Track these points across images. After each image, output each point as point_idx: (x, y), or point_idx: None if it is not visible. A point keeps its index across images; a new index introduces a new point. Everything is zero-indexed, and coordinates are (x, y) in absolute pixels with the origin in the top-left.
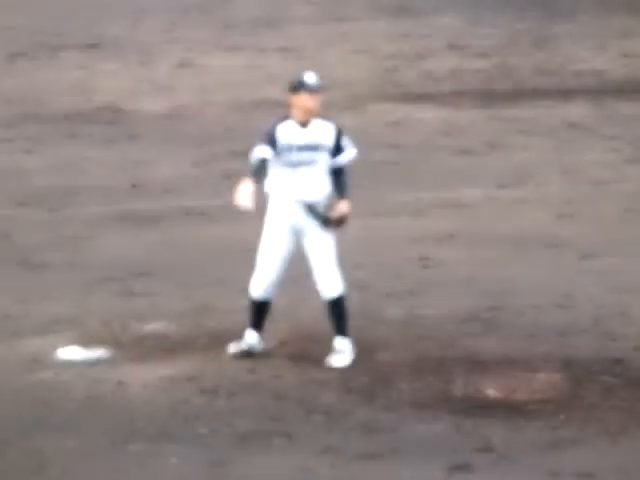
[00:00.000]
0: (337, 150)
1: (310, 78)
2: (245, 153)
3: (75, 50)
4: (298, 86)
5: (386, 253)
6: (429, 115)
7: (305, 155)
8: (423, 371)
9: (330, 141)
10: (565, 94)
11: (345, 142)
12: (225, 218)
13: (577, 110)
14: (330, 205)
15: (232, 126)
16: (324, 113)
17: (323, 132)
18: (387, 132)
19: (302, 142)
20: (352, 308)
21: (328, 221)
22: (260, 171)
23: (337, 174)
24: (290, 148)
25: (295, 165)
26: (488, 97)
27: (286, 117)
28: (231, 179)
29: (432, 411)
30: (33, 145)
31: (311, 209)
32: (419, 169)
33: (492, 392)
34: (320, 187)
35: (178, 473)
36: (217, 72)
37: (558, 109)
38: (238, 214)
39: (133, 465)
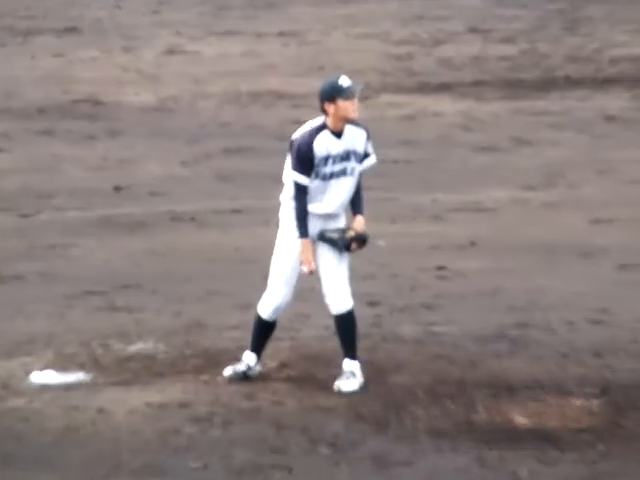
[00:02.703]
0: (364, 156)
1: (345, 81)
2: (241, 151)
3: (49, 35)
4: (333, 92)
5: (400, 263)
6: (448, 108)
7: (338, 166)
8: (441, 396)
9: (362, 148)
10: (600, 83)
11: (369, 148)
12: (218, 224)
13: (614, 101)
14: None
15: (227, 120)
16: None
17: (356, 138)
18: (400, 127)
19: (338, 153)
20: (362, 325)
21: (348, 245)
22: (305, 210)
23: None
24: (326, 161)
25: (328, 177)
26: (514, 87)
27: (322, 126)
28: (225, 180)
29: (452, 441)
30: (3, 142)
31: (327, 235)
32: (436, 168)
33: (520, 420)
34: (346, 199)
35: None
36: (210, 59)
37: (593, 100)
38: (232, 219)
39: None
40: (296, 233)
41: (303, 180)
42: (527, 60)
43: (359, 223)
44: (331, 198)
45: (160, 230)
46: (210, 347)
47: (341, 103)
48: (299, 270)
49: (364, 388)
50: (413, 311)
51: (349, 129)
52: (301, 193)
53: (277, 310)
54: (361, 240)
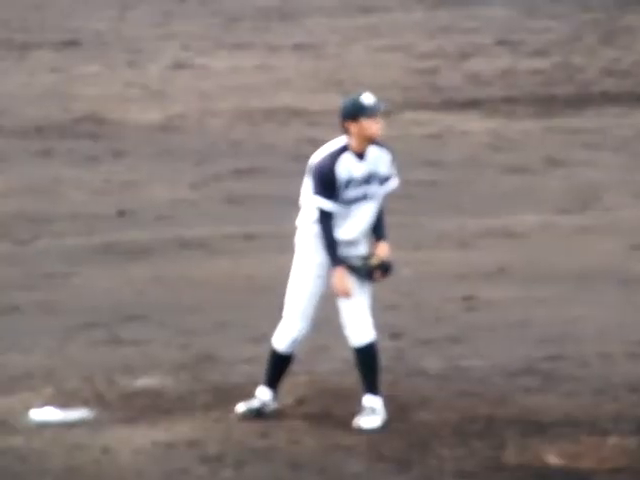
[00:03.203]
0: (389, 177)
1: (368, 99)
2: (253, 172)
3: (47, 49)
4: (356, 111)
5: (424, 292)
6: (475, 126)
7: (359, 190)
8: (468, 434)
9: (385, 170)
10: (639, 99)
11: (392, 170)
12: (229, 251)
13: None
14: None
15: (238, 139)
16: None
17: (380, 160)
18: (425, 146)
19: (361, 177)
20: (384, 358)
21: (371, 273)
22: (333, 236)
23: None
24: (348, 185)
25: (349, 202)
26: (546, 104)
27: (344, 148)
28: (237, 204)
29: None
30: None
31: (349, 262)
32: (463, 191)
33: (552, 459)
34: (367, 225)
35: None
36: (220, 74)
37: (631, 117)
38: (244, 246)
39: None
40: (328, 262)
41: (328, 206)
42: (560, 74)
43: (383, 249)
44: (352, 224)
45: (167, 257)
46: (221, 382)
47: (365, 122)
48: (317, 300)
49: (386, 426)
50: (438, 344)
51: (372, 150)
52: (327, 219)
53: (293, 343)
54: (385, 268)
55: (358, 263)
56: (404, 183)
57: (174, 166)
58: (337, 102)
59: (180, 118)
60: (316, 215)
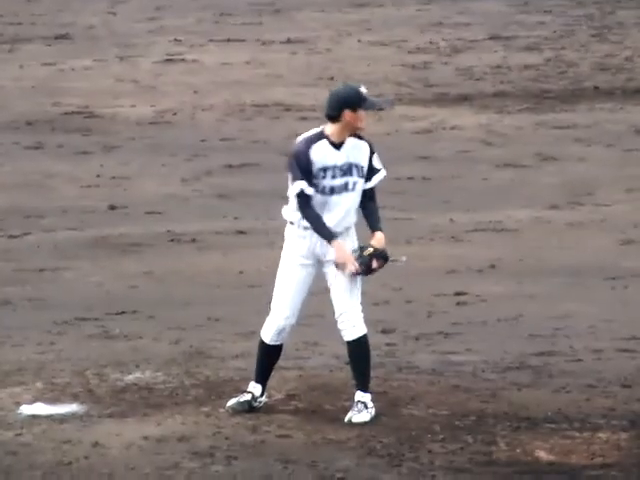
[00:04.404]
0: (370, 172)
1: (365, 91)
2: (245, 167)
3: (39, 42)
4: (358, 101)
5: (415, 288)
6: (467, 121)
7: (340, 180)
8: (460, 429)
9: (365, 161)
10: (632, 94)
11: (376, 162)
12: (220, 246)
13: None
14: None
15: (229, 134)
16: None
17: (358, 152)
18: (417, 141)
19: (337, 165)
20: (375, 354)
21: (369, 264)
22: (319, 215)
23: (365, 200)
24: (325, 173)
25: (328, 192)
26: (538, 98)
27: (320, 135)
28: (228, 199)
29: (471, 478)
30: None
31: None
32: (454, 186)
33: (543, 455)
34: (349, 216)
35: None
36: (211, 69)
37: (623, 112)
38: (235, 241)
39: None
40: (324, 239)
41: (307, 188)
42: (552, 69)
43: (379, 240)
44: (333, 214)
45: (158, 252)
46: (212, 377)
47: (361, 114)
48: (303, 290)
49: (377, 420)
50: (429, 339)
51: (350, 141)
52: (307, 203)
53: (280, 333)
54: (382, 257)
55: (354, 256)
56: (396, 179)
57: (165, 161)
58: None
59: (171, 113)
60: (296, 203)
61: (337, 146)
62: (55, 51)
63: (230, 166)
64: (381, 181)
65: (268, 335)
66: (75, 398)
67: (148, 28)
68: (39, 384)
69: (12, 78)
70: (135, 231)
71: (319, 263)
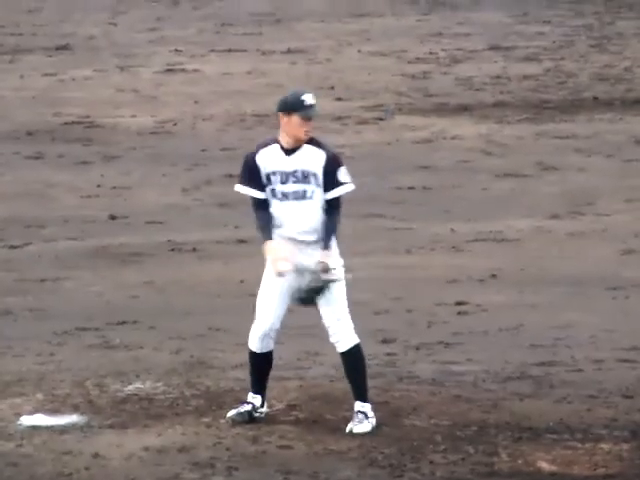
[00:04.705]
0: (330, 184)
1: (309, 99)
2: None
3: (39, 53)
4: (292, 105)
5: (416, 297)
6: (467, 131)
7: (292, 187)
8: (461, 440)
9: (319, 170)
10: (631, 104)
11: (341, 175)
12: (221, 255)
13: None
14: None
15: (230, 144)
16: (333, 132)
17: (311, 160)
18: (416, 151)
19: (286, 171)
20: (376, 364)
21: (319, 286)
22: (264, 218)
23: (326, 214)
24: (274, 178)
25: (280, 197)
26: (538, 109)
27: (272, 140)
28: (228, 208)
29: None
30: None
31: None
32: (455, 196)
33: (545, 465)
34: (312, 225)
35: None
36: (211, 79)
37: (623, 123)
38: (236, 250)
39: None
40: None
41: (256, 194)
42: (552, 80)
43: (322, 258)
44: (294, 222)
45: (159, 262)
46: (213, 387)
47: (295, 119)
48: (288, 298)
49: (378, 431)
50: (430, 349)
51: (306, 148)
52: (258, 207)
53: (264, 339)
54: (327, 274)
55: (305, 289)
56: (396, 188)
57: (166, 170)
58: (329, 107)
59: (172, 123)
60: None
61: (288, 152)
62: (56, 61)
63: (231, 175)
64: (343, 196)
65: (254, 343)
66: (75, 409)
67: (149, 38)
68: (39, 395)
69: (13, 88)
70: (136, 241)
71: (300, 272)
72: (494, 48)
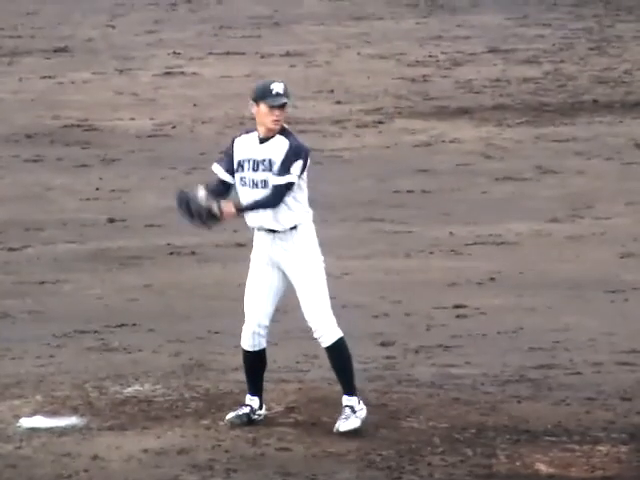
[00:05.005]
0: (279, 171)
1: (277, 87)
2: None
3: (38, 55)
4: (260, 94)
5: (414, 300)
6: (466, 134)
7: (261, 175)
8: (459, 442)
9: (279, 158)
10: (631, 107)
11: (294, 166)
12: (220, 258)
13: None
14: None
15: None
16: (333, 128)
17: (278, 149)
18: (416, 154)
19: (257, 159)
20: (374, 367)
21: (201, 214)
22: (215, 191)
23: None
24: (244, 165)
25: (252, 186)
26: (538, 112)
27: (254, 129)
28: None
29: None
30: None
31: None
32: (454, 199)
33: (543, 468)
34: (282, 214)
35: None
36: (210, 82)
37: (622, 126)
38: (235, 253)
39: None
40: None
41: (221, 174)
42: (552, 83)
43: (227, 205)
44: (261, 211)
45: (158, 265)
46: (211, 390)
47: (263, 107)
48: (269, 294)
49: (376, 433)
50: (429, 352)
51: (277, 139)
52: (215, 182)
53: (254, 337)
54: (211, 215)
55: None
56: (395, 192)
57: (164, 173)
58: (328, 110)
59: (170, 126)
60: None
61: (262, 140)
62: (54, 64)
63: None
64: (291, 185)
65: (245, 342)
66: (75, 411)
67: (147, 41)
68: (39, 397)
69: (11, 91)
70: (135, 244)
71: (277, 267)
72: (493, 51)
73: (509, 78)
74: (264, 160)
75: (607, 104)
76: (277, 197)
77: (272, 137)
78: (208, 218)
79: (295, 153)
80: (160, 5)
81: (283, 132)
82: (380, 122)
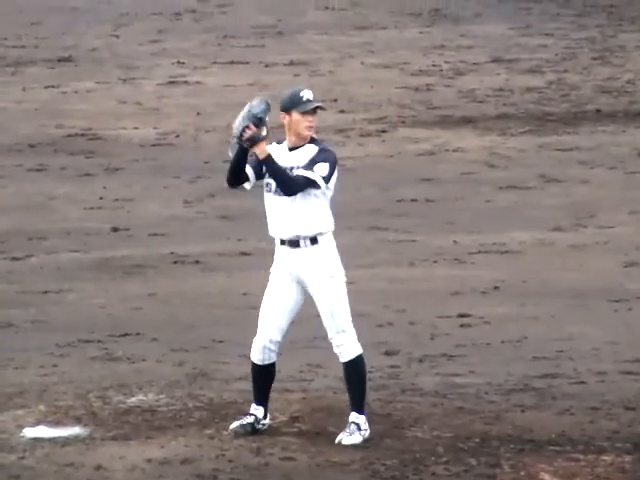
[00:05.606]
0: (305, 167)
1: (307, 94)
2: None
3: (42, 65)
4: (290, 103)
5: (418, 309)
6: (470, 143)
7: None
8: (463, 451)
9: (304, 162)
10: (634, 117)
11: (317, 167)
12: (224, 267)
13: None
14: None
15: None
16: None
17: (305, 154)
18: (419, 163)
19: (286, 166)
20: (378, 376)
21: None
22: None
23: None
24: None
25: (276, 192)
26: (541, 121)
27: (281, 140)
28: (231, 220)
29: None
30: None
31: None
32: (458, 208)
33: (547, 477)
34: (301, 223)
35: None
36: (214, 91)
37: (626, 135)
38: (239, 262)
39: None
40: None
41: (249, 161)
42: (555, 92)
43: (264, 132)
44: (283, 218)
45: (161, 274)
46: (215, 399)
47: (295, 116)
48: (285, 309)
49: (381, 443)
50: (433, 361)
51: (307, 147)
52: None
53: (264, 351)
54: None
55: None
56: (399, 200)
57: (168, 182)
58: (332, 119)
59: (174, 135)
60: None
61: (291, 149)
62: (58, 74)
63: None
64: (313, 183)
65: (255, 355)
66: (78, 421)
67: (151, 50)
68: (42, 407)
69: (15, 101)
70: (138, 253)
71: (299, 281)
72: (497, 60)
73: (512, 87)
74: (292, 167)
75: (610, 113)
76: (295, 183)
77: (302, 146)
78: (250, 135)
79: (323, 157)
80: (164, 15)
81: (313, 141)
82: (384, 131)
